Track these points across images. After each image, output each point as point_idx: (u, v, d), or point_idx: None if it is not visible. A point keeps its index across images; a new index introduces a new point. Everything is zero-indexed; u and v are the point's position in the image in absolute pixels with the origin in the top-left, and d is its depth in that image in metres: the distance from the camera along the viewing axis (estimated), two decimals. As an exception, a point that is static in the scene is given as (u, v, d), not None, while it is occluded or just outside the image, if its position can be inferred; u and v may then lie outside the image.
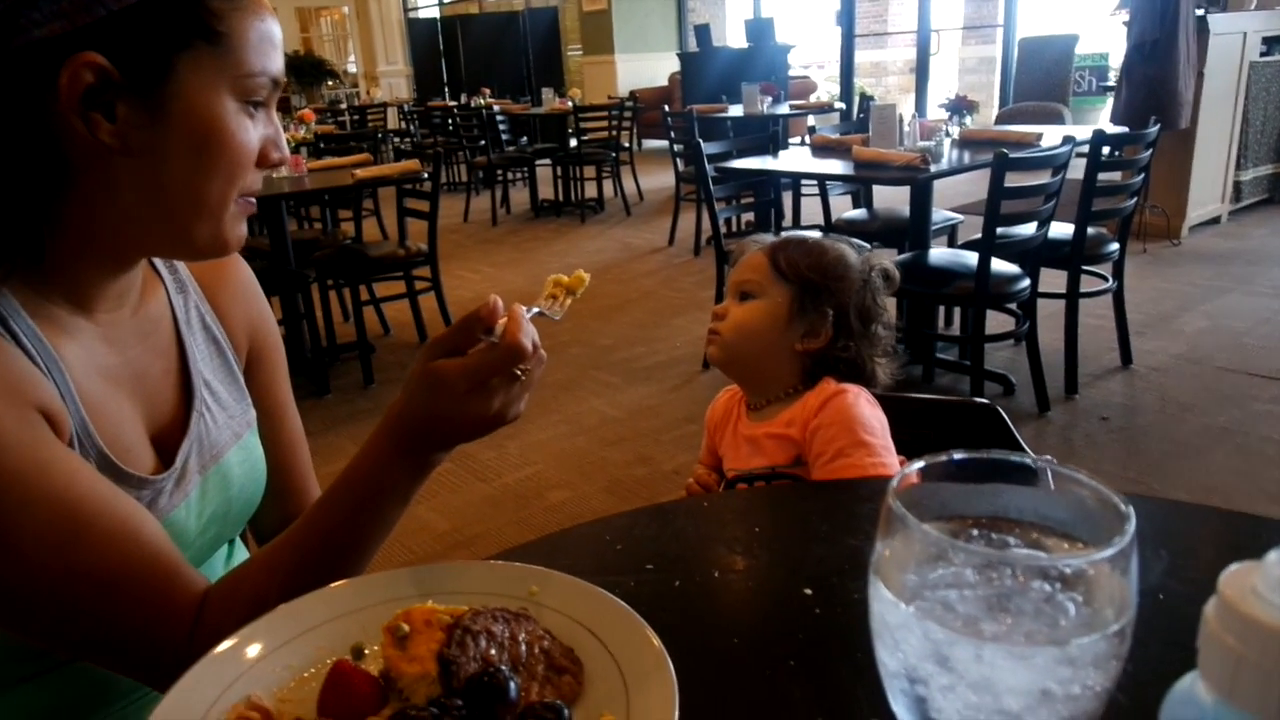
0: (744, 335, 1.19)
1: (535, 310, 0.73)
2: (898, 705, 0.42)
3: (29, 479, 0.63)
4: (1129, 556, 0.37)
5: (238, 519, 0.88)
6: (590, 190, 7.42)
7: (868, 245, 1.28)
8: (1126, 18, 4.98)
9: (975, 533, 0.44)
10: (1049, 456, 0.45)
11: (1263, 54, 5.41)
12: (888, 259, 1.27)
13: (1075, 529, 0.43)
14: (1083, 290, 3.21)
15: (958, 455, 0.45)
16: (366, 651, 0.62)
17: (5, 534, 0.63)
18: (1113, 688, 0.39)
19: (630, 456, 3.02)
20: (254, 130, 0.71)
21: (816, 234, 1.30)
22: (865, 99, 5.60)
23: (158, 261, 0.84)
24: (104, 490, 0.67)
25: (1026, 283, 2.93)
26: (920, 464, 0.45)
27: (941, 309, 3.77)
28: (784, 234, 1.27)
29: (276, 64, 0.71)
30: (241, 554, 0.95)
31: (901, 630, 0.39)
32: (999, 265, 2.89)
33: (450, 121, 8.09)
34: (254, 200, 0.74)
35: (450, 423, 0.68)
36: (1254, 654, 0.30)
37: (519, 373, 0.68)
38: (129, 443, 0.75)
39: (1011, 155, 2.69)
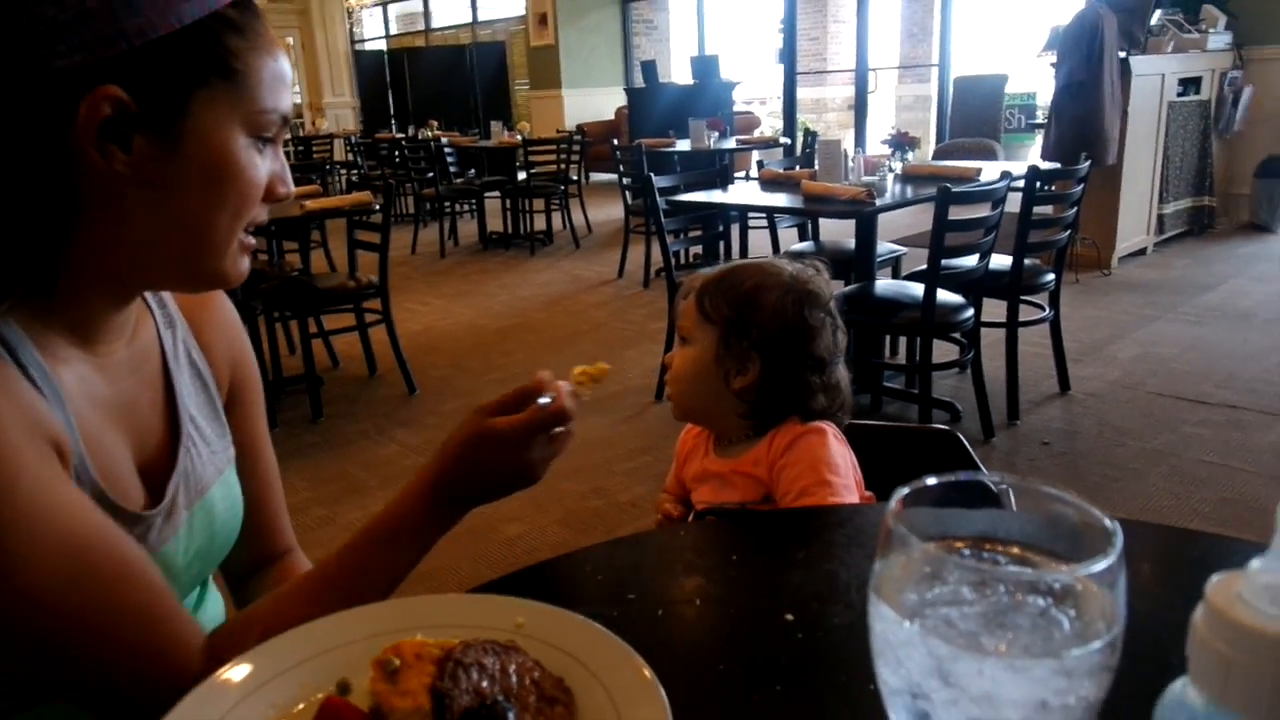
0: (683, 385, 1.19)
1: (572, 389, 0.83)
2: (899, 722, 0.43)
3: (44, 516, 0.62)
4: (1117, 571, 0.39)
5: (218, 555, 0.87)
6: (539, 223, 7.44)
7: (814, 266, 1.21)
8: (1054, 59, 5.22)
9: (966, 553, 0.45)
10: (1026, 478, 0.47)
11: (1179, 94, 5.72)
12: (820, 276, 1.19)
13: (1057, 546, 0.45)
14: (1021, 319, 3.32)
15: (945, 478, 0.47)
16: (352, 687, 0.61)
17: (15, 572, 0.61)
18: (1103, 698, 0.41)
19: (585, 488, 3.01)
20: (263, 165, 0.72)
21: (764, 259, 1.24)
22: (810, 134, 5.75)
23: (147, 295, 0.84)
24: (111, 532, 0.67)
25: (971, 312, 3.02)
26: (907, 489, 0.47)
27: (887, 338, 3.86)
28: (723, 265, 1.23)
29: (287, 102, 0.73)
30: (213, 593, 0.93)
31: (905, 648, 0.41)
32: (944, 295, 2.98)
33: (397, 153, 8.06)
34: (253, 241, 0.76)
35: (495, 472, 0.77)
36: (1243, 657, 0.32)
37: (556, 433, 0.78)
38: (120, 475, 0.75)
39: (954, 190, 2.79)
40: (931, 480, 0.46)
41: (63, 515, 0.63)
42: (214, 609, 0.92)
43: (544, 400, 0.78)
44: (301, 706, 0.59)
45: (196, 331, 0.88)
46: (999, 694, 0.39)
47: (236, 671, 0.60)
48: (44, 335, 0.70)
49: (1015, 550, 0.46)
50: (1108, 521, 0.41)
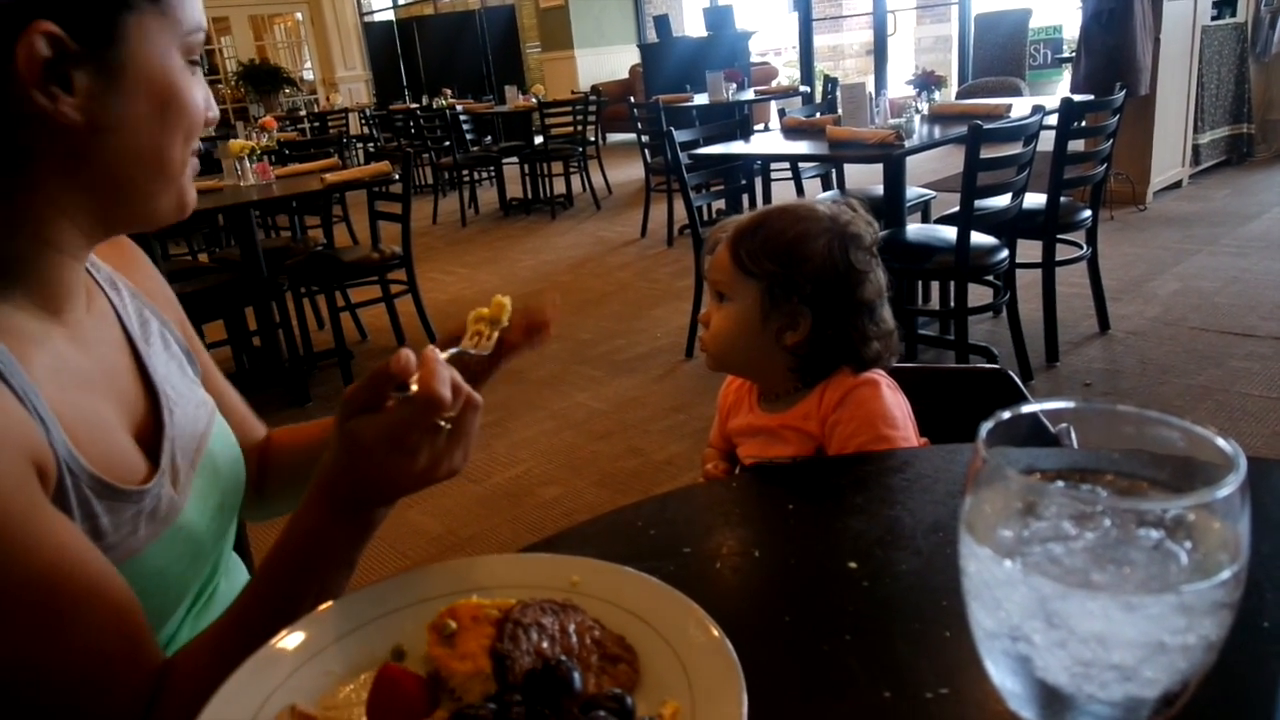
0: (725, 343, 1.13)
1: (456, 350, 0.67)
2: (997, 667, 0.40)
3: (17, 554, 0.58)
4: (1241, 498, 0.36)
5: (235, 499, 0.85)
6: (559, 186, 7.37)
7: (850, 206, 1.14)
8: (1081, -12, 5.03)
9: (1062, 485, 0.42)
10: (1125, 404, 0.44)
11: (1214, 18, 5.50)
12: (859, 215, 1.13)
13: (1160, 476, 0.42)
14: (1057, 259, 3.23)
15: (1033, 408, 0.44)
16: (408, 653, 0.59)
17: None
18: (1225, 637, 0.37)
19: (620, 449, 2.99)
20: (198, 88, 0.70)
21: (795, 203, 1.16)
22: (830, 81, 5.61)
23: None
24: (90, 566, 0.63)
25: (1005, 254, 2.94)
26: (992, 422, 0.44)
27: (919, 284, 3.78)
28: (753, 213, 1.15)
29: (203, 19, 0.72)
30: (236, 563, 0.92)
31: (1004, 588, 0.38)
32: (977, 238, 2.90)
33: (412, 124, 8.00)
34: (198, 164, 0.74)
35: (375, 484, 0.63)
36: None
37: (443, 423, 0.61)
38: (119, 451, 0.72)
39: (986, 127, 2.70)
40: (1020, 410, 0.43)
41: (39, 551, 0.59)
42: (238, 578, 0.90)
43: (406, 393, 0.60)
44: (362, 676, 0.57)
45: (136, 283, 0.85)
46: (1111, 634, 0.36)
47: (291, 639, 0.59)
48: (7, 316, 0.67)
49: (1110, 480, 0.43)
50: (1226, 445, 0.37)
